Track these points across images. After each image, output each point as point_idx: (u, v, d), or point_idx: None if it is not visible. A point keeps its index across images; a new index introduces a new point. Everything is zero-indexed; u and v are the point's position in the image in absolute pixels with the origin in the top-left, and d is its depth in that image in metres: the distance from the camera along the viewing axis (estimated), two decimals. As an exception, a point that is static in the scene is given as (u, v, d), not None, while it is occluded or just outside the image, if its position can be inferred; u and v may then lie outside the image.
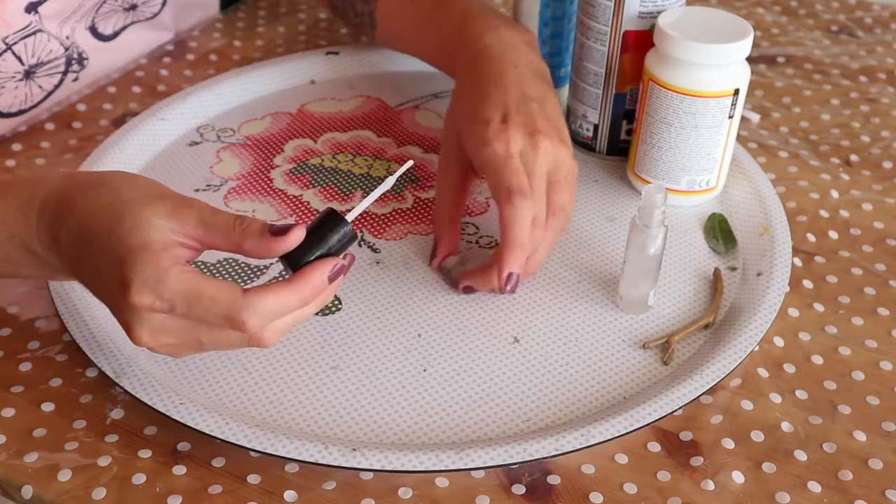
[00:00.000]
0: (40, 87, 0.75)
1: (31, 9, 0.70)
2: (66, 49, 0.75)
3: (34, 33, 0.71)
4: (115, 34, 0.82)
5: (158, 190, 0.51)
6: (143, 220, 0.49)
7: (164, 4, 0.85)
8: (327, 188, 0.73)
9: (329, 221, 0.50)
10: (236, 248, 0.49)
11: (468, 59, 0.68)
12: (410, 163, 0.54)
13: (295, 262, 0.50)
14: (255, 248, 0.49)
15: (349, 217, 0.51)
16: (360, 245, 0.68)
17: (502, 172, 0.61)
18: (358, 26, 0.85)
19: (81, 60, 0.78)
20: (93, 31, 0.80)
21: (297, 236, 0.49)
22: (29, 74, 0.73)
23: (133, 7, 0.82)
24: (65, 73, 0.76)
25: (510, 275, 0.61)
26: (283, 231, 0.49)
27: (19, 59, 0.71)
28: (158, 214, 0.49)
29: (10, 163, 0.75)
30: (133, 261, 0.48)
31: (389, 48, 0.86)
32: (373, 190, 0.56)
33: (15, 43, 0.70)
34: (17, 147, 0.77)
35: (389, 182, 0.52)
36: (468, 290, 0.64)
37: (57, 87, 0.77)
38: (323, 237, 0.50)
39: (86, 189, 0.51)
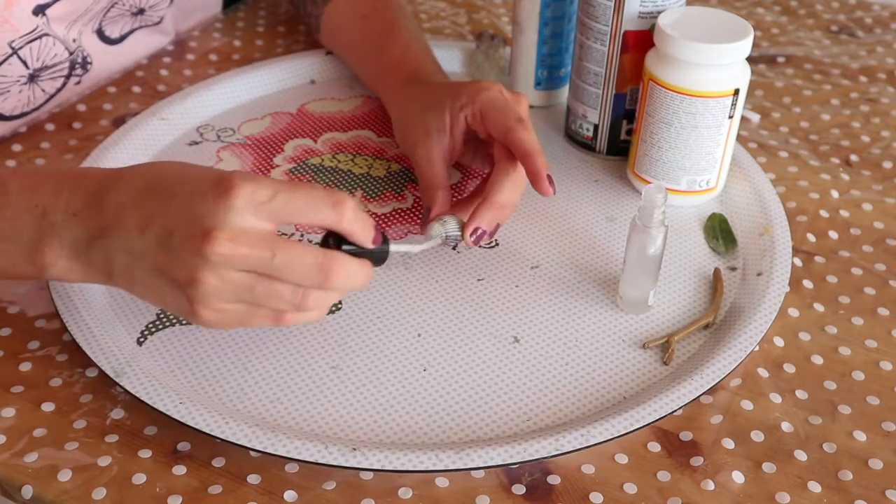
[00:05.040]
0: (43, 90, 0.75)
1: (39, 11, 0.70)
2: (71, 53, 0.75)
3: (40, 37, 0.71)
4: (122, 38, 0.83)
5: None
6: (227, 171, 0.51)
7: (170, 5, 0.85)
8: (327, 188, 0.73)
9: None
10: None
11: (409, 73, 0.73)
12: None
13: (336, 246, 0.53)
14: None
15: (391, 247, 0.56)
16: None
17: (508, 107, 0.65)
18: (307, 24, 0.90)
19: (85, 64, 0.78)
20: (100, 34, 0.80)
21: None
22: (33, 78, 0.73)
23: (141, 11, 0.82)
24: (68, 76, 0.77)
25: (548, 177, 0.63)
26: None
27: (24, 63, 0.72)
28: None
29: (11, 163, 0.75)
30: (231, 173, 0.49)
31: (333, 52, 0.87)
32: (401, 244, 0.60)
33: (21, 47, 0.70)
34: (17, 147, 0.77)
35: (434, 242, 0.62)
36: (480, 237, 0.63)
37: (59, 90, 0.77)
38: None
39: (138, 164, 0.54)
